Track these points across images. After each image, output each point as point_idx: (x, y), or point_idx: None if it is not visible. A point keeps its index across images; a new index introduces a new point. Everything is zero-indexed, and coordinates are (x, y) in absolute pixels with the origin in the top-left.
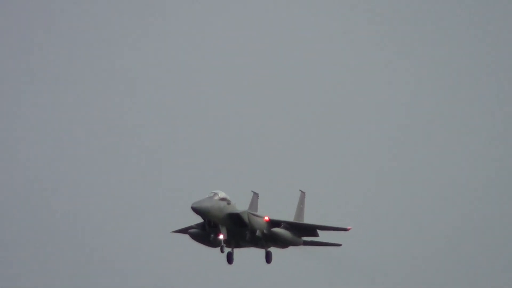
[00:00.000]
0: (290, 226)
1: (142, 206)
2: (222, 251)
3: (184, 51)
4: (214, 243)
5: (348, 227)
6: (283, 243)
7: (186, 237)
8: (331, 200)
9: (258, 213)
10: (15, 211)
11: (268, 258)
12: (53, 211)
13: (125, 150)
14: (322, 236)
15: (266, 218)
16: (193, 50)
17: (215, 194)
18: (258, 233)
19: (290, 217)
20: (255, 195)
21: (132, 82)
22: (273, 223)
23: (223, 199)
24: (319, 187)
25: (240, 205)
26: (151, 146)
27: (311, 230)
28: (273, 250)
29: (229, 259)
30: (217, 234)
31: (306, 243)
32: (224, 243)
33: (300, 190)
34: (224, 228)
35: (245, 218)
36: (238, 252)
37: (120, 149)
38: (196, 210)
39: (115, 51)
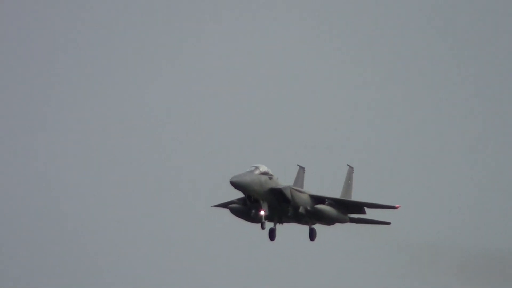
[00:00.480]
0: (335, 202)
1: (184, 180)
2: (263, 227)
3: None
4: (255, 219)
5: (396, 205)
6: (328, 220)
7: (227, 212)
8: (382, 177)
9: (304, 188)
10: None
11: (312, 235)
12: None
13: (164, 125)
14: (370, 214)
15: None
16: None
17: (256, 168)
18: (301, 209)
19: (337, 193)
20: (301, 169)
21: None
22: (317, 199)
23: (264, 173)
24: (369, 163)
25: (285, 180)
26: (192, 119)
27: (358, 207)
28: (318, 227)
29: (271, 235)
30: (258, 210)
31: (353, 221)
32: (266, 219)
33: (348, 165)
34: (266, 204)
35: (288, 193)
36: (281, 229)
37: (159, 125)
38: (235, 184)
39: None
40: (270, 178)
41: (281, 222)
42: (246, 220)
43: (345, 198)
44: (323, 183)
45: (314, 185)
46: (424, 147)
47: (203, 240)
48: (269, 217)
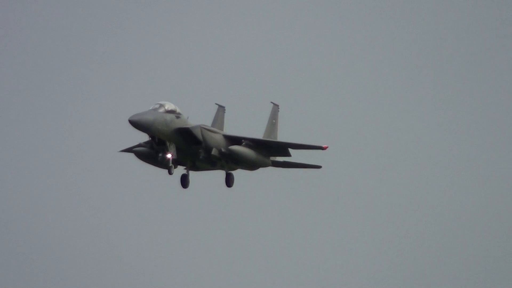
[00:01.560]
0: (253, 143)
1: (89, 123)
2: (170, 172)
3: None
4: (162, 163)
5: (324, 146)
6: (246, 164)
7: (133, 156)
8: (310, 117)
9: (225, 129)
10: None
11: (229, 181)
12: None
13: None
14: (297, 157)
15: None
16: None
17: (161, 105)
18: (214, 151)
19: (260, 135)
20: (221, 108)
21: None
22: (233, 140)
23: (170, 111)
24: (296, 101)
25: (203, 120)
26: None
27: (280, 148)
28: (240, 172)
29: (184, 182)
30: (165, 153)
31: (278, 165)
32: (174, 163)
33: (272, 103)
34: (173, 146)
35: (198, 133)
36: (195, 174)
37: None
38: (135, 123)
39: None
40: (178, 117)
41: (195, 167)
42: (153, 165)
43: (270, 139)
44: (246, 123)
45: (236, 127)
46: (359, 82)
47: (108, 189)
48: (180, 162)
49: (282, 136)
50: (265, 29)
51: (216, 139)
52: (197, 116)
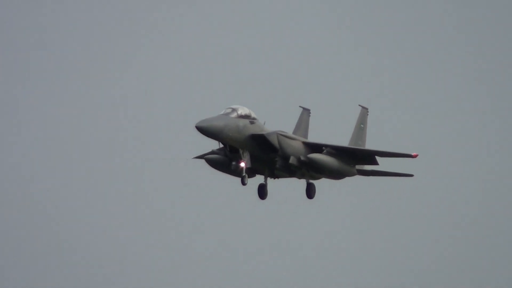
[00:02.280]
0: (336, 151)
1: (165, 128)
2: (243, 182)
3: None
4: (235, 172)
5: (413, 153)
6: (328, 173)
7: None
8: (399, 122)
9: (310, 133)
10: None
11: (310, 191)
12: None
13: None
14: (385, 165)
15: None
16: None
17: (233, 110)
18: (292, 159)
19: (346, 140)
20: (305, 111)
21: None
22: (313, 147)
23: (244, 116)
24: (385, 104)
25: (286, 125)
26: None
27: (367, 156)
28: (324, 182)
29: (261, 192)
30: (238, 161)
31: (366, 173)
32: (248, 172)
33: (360, 106)
34: (247, 154)
35: (274, 140)
36: (274, 186)
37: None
38: (202, 130)
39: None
40: (252, 123)
41: (273, 176)
42: (227, 173)
43: (351, 146)
44: (332, 128)
45: (321, 131)
46: (453, 87)
47: (180, 198)
48: (257, 170)
49: (370, 142)
50: (356, 26)
51: (295, 146)
52: (279, 120)
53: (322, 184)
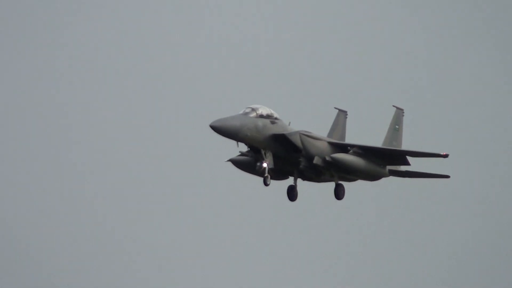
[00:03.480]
0: (363, 151)
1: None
2: (265, 183)
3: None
4: (259, 173)
5: (443, 153)
6: (356, 174)
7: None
8: (436, 122)
9: (347, 135)
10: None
11: (338, 193)
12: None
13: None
14: (418, 166)
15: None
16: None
17: (253, 110)
18: (316, 160)
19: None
20: (341, 113)
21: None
22: (339, 147)
23: (264, 116)
24: (421, 104)
25: (321, 127)
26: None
27: (397, 157)
28: (361, 183)
29: (291, 194)
30: (261, 162)
31: (400, 174)
32: (270, 173)
33: (395, 106)
34: (270, 154)
35: (296, 140)
36: (305, 187)
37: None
38: (217, 129)
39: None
40: (273, 122)
41: (304, 178)
42: (253, 174)
43: (382, 146)
44: (369, 129)
45: (358, 133)
46: (493, 86)
47: (211, 200)
48: (287, 172)
49: (407, 143)
50: (390, 27)
51: (319, 146)
52: (314, 122)
53: (354, 186)
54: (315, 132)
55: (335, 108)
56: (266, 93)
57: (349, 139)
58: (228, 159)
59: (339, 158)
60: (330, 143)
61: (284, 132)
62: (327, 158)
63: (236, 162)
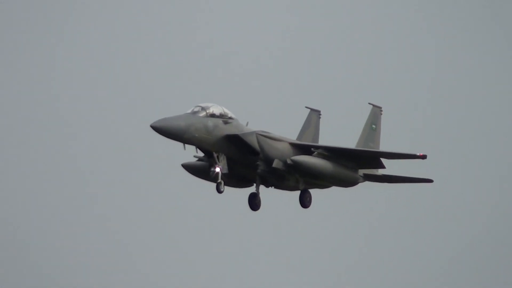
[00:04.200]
0: (330, 153)
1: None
2: (218, 189)
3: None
4: (213, 179)
5: (419, 153)
6: (322, 178)
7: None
8: (414, 122)
9: (320, 137)
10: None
11: (304, 200)
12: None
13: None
14: (394, 169)
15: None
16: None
17: (202, 108)
18: (276, 163)
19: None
20: (314, 113)
21: None
22: (302, 148)
23: (216, 115)
24: (399, 102)
25: (292, 128)
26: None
27: (368, 158)
28: (337, 190)
29: (252, 203)
30: (213, 166)
31: (377, 179)
32: (224, 178)
33: (371, 104)
34: (223, 158)
35: (252, 141)
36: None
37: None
38: (158, 130)
39: None
40: (226, 122)
41: (266, 184)
42: (207, 180)
43: (350, 147)
44: (343, 130)
45: (332, 134)
46: (478, 83)
47: (162, 211)
48: (246, 178)
49: (385, 145)
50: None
51: (279, 148)
52: (283, 123)
53: (323, 192)
54: (278, 133)
55: (307, 107)
56: (231, 92)
57: (322, 141)
58: (182, 163)
59: (300, 161)
60: (292, 145)
61: (238, 133)
62: (288, 161)
63: (189, 168)
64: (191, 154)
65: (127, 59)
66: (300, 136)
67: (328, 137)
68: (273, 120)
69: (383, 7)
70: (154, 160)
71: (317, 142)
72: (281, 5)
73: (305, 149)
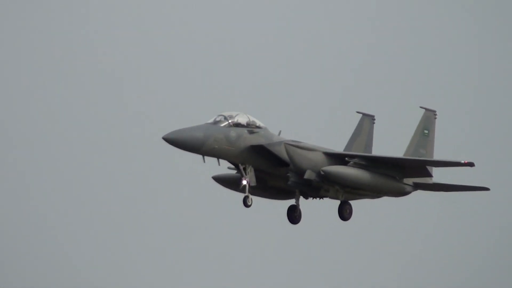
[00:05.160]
0: (367, 161)
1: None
2: (245, 203)
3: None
4: (243, 191)
5: (464, 161)
6: (360, 188)
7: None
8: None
9: (374, 143)
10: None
11: (343, 212)
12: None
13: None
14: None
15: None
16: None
17: (225, 118)
18: (308, 174)
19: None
20: (366, 118)
21: None
22: (337, 158)
23: (241, 124)
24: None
25: (340, 135)
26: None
27: (414, 168)
28: (389, 200)
29: (291, 216)
30: (241, 179)
31: (429, 188)
32: (255, 191)
33: (423, 108)
34: (250, 169)
35: (280, 152)
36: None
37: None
38: (171, 142)
39: None
40: (252, 132)
41: (307, 196)
42: (237, 190)
43: (387, 155)
44: (398, 136)
45: (383, 139)
46: None
47: (195, 225)
48: (284, 190)
49: (440, 151)
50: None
51: (311, 158)
52: (333, 129)
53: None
54: (324, 143)
55: (358, 112)
56: (275, 97)
57: (376, 149)
58: (212, 176)
59: (333, 172)
60: (327, 154)
61: (264, 143)
62: (322, 172)
63: (220, 180)
64: (225, 165)
65: (161, 71)
66: (349, 145)
67: (379, 144)
68: (317, 129)
69: (441, 6)
70: (184, 173)
71: (371, 150)
72: (330, 4)
73: (341, 159)
